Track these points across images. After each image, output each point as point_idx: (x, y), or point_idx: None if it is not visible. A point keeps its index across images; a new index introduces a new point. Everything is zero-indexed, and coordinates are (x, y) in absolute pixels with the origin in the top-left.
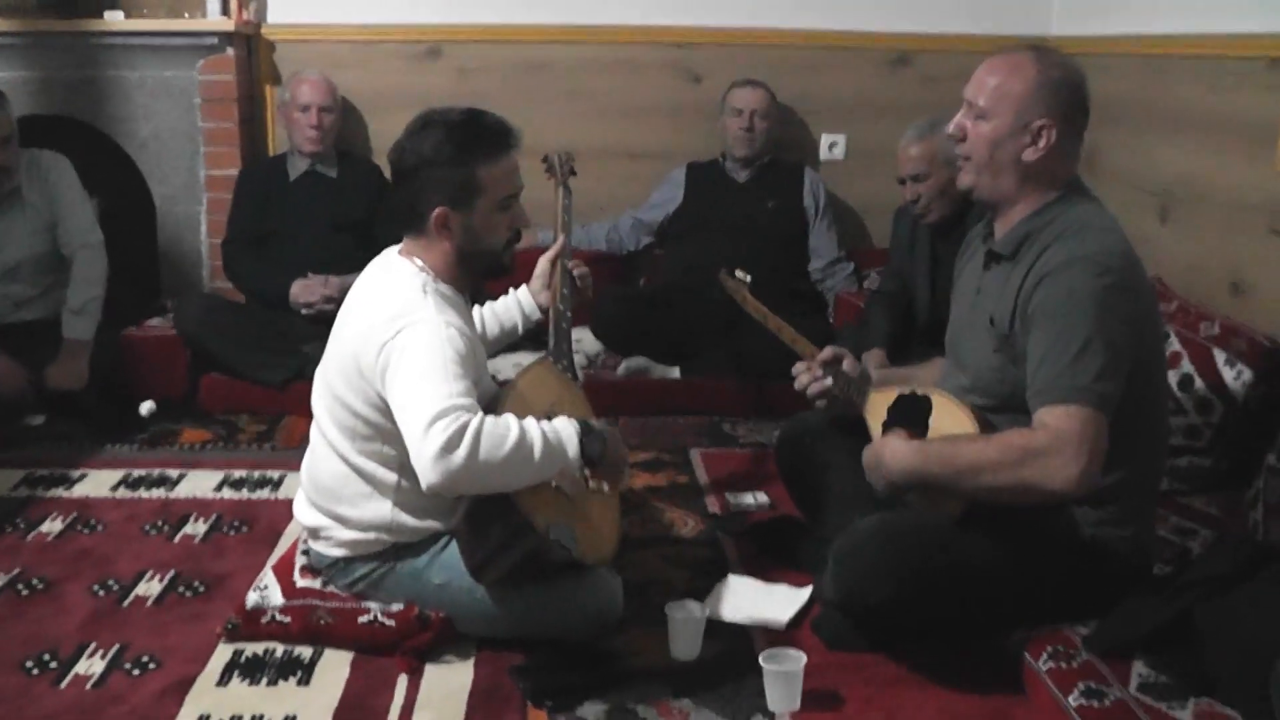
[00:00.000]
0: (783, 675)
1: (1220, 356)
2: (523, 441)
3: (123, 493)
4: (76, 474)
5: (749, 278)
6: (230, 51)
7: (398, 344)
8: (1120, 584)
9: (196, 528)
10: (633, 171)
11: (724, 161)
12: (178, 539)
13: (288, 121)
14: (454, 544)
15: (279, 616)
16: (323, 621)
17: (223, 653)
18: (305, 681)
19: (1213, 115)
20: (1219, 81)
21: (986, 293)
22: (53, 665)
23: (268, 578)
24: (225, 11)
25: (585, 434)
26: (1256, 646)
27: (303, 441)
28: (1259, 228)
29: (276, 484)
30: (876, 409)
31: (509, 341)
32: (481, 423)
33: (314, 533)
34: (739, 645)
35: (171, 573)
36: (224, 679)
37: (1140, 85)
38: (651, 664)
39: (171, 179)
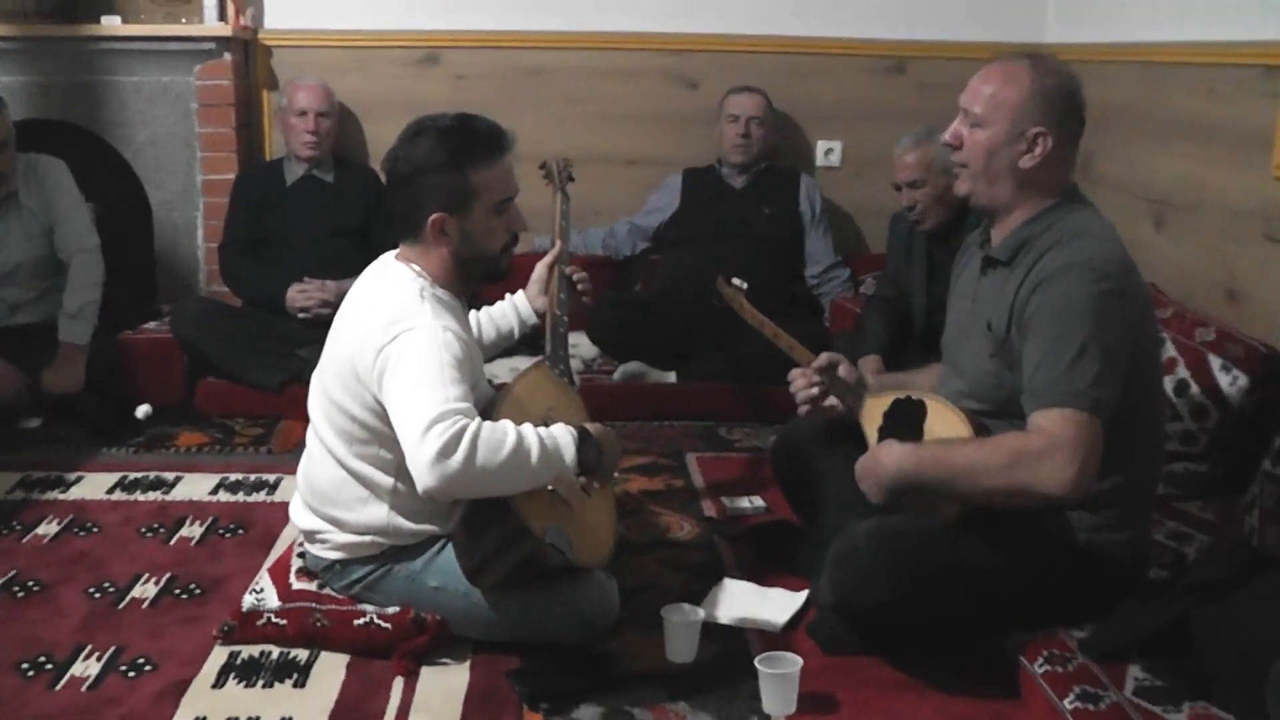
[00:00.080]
0: (779, 678)
1: (1216, 362)
2: (519, 447)
3: (119, 495)
4: (73, 477)
5: (745, 285)
6: (227, 57)
7: (394, 349)
8: (1116, 588)
9: (193, 531)
10: (629, 177)
11: (720, 167)
12: (174, 542)
13: (284, 127)
14: (450, 547)
15: (275, 619)
16: (319, 624)
17: (219, 655)
18: (301, 684)
19: (1208, 122)
20: (1214, 89)
21: (983, 298)
22: (48, 667)
23: (264, 580)
24: (222, 17)
25: (582, 441)
26: (1252, 651)
27: (299, 445)
28: (1254, 234)
29: (273, 487)
30: (872, 415)
31: (505, 346)
32: (479, 428)
33: (310, 536)
34: (735, 649)
35: (167, 575)
36: (220, 681)
37: (1136, 92)
38: (648, 667)
39: (168, 184)
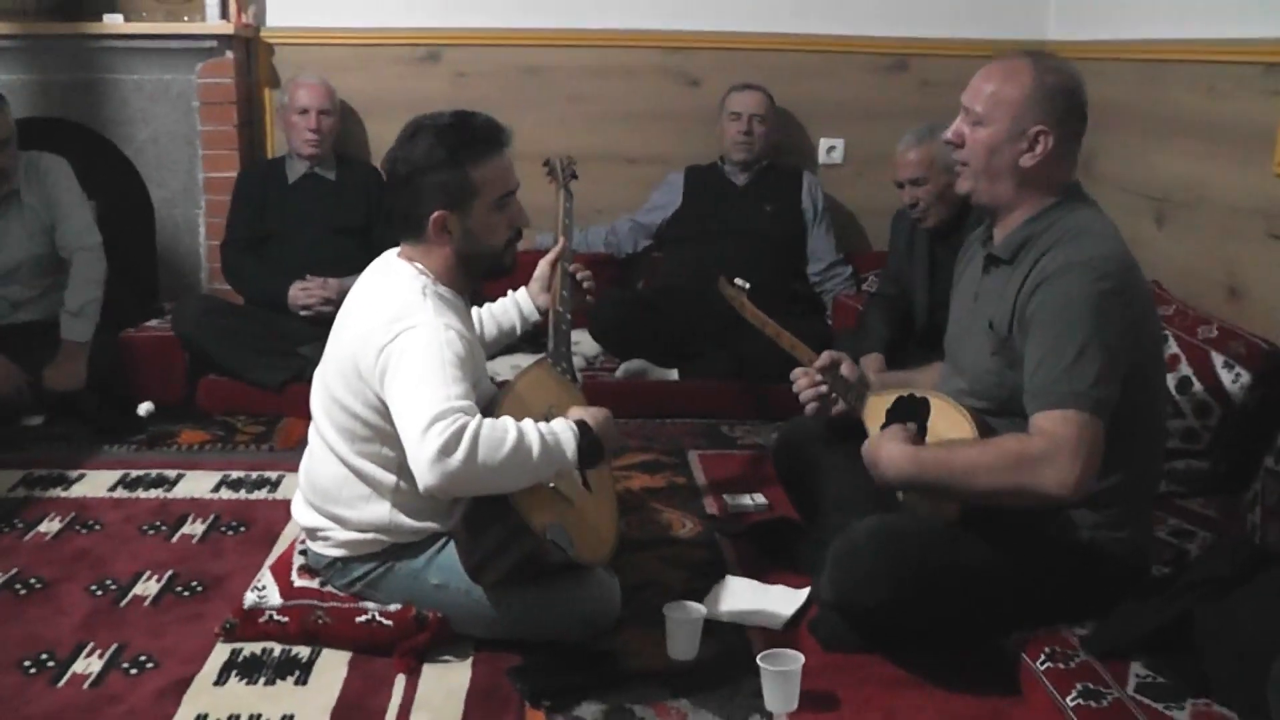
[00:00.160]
0: (780, 676)
1: (1218, 359)
2: (520, 444)
3: (121, 493)
4: (74, 474)
5: (748, 285)
6: (229, 55)
7: (397, 347)
8: (1118, 586)
9: (194, 528)
10: (631, 175)
11: (722, 165)
12: (175, 539)
13: (286, 125)
14: (452, 545)
15: (277, 616)
16: (320, 621)
17: (220, 653)
18: (303, 681)
19: (1209, 120)
20: (1216, 86)
21: (985, 296)
22: (50, 665)
23: (265, 578)
24: (224, 15)
25: (583, 435)
26: (1254, 648)
27: (301, 443)
28: (1256, 232)
29: (274, 485)
30: (875, 413)
31: (507, 343)
32: (479, 425)
33: (312, 533)
34: (736, 646)
35: (169, 573)
36: (221, 679)
37: (1137, 90)
38: (649, 665)
39: (170, 182)
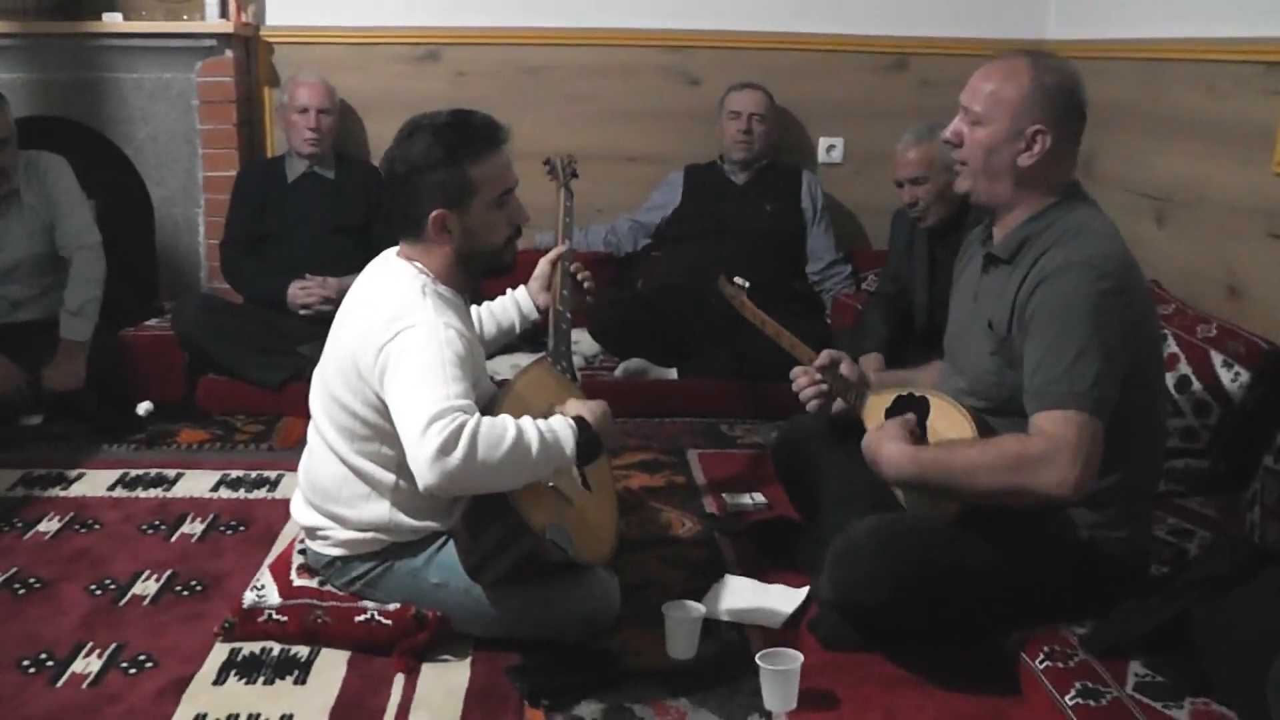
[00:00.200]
0: (780, 675)
1: (1218, 359)
2: (519, 441)
3: (120, 492)
4: (74, 474)
5: (747, 284)
6: (229, 54)
7: (396, 346)
8: (1117, 585)
9: (193, 527)
10: (631, 174)
11: (722, 164)
12: (175, 539)
13: (286, 124)
14: (451, 544)
15: (276, 616)
16: (319, 621)
17: (219, 652)
18: (302, 681)
19: (1209, 119)
20: (1216, 86)
21: (985, 296)
22: (49, 664)
23: (264, 577)
24: (224, 14)
25: (581, 432)
26: (1253, 647)
27: (300, 442)
28: (1256, 231)
29: (274, 484)
30: (874, 412)
31: (506, 341)
32: (478, 423)
33: (311, 533)
34: (736, 645)
35: (168, 572)
36: (221, 678)
37: (1137, 90)
38: (649, 664)
39: (170, 181)
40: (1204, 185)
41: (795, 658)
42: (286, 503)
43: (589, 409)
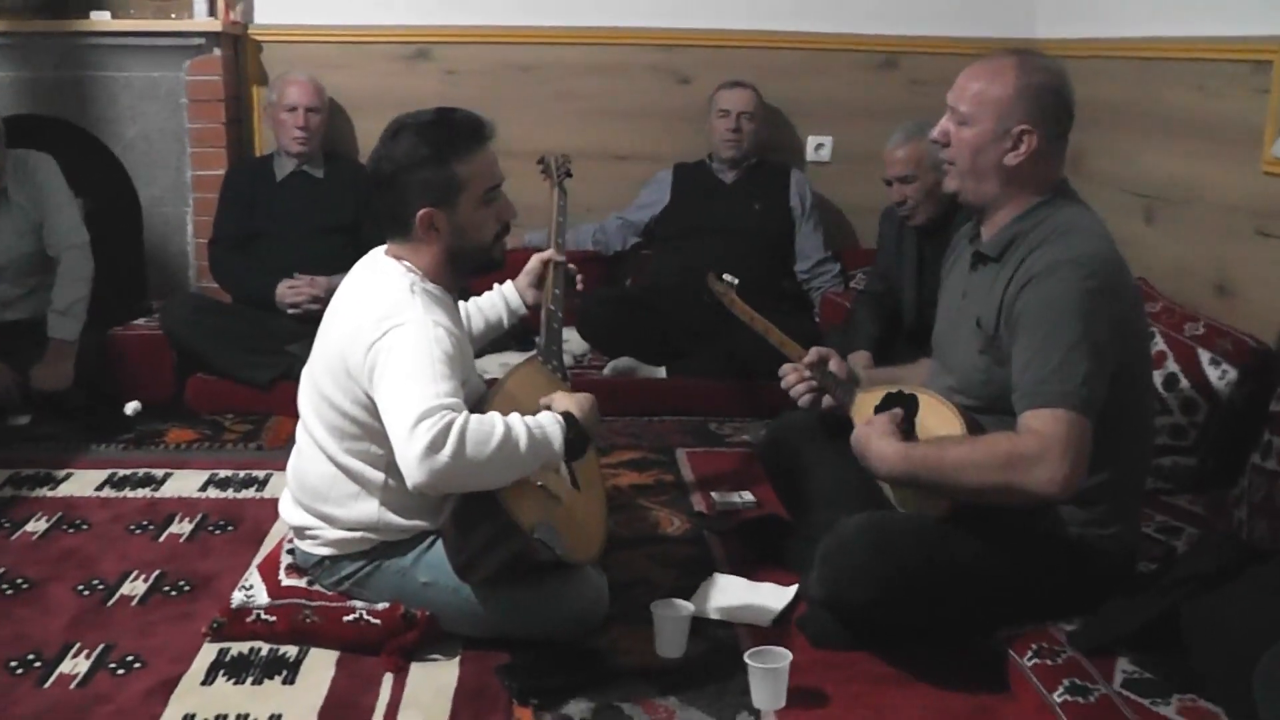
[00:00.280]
0: (768, 673)
1: (1205, 356)
2: (507, 439)
3: (108, 492)
4: (62, 474)
5: (736, 281)
6: (217, 52)
7: (385, 344)
8: (1105, 583)
9: (182, 527)
10: (620, 173)
11: (711, 162)
12: (163, 539)
13: (274, 122)
14: (440, 543)
15: (264, 615)
16: (308, 620)
17: (208, 652)
18: (291, 681)
19: (1199, 118)
20: (1205, 85)
21: (973, 294)
22: (37, 665)
23: (253, 577)
24: (212, 12)
25: (569, 427)
26: (1240, 644)
27: (289, 441)
28: (1245, 230)
29: (262, 483)
30: (863, 410)
31: (493, 336)
32: (466, 421)
33: (300, 532)
34: (725, 643)
35: (157, 572)
36: (209, 678)
37: (1126, 88)
38: (637, 662)
39: (158, 179)
40: (1193, 184)
41: (784, 656)
42: (275, 502)
43: (576, 403)
